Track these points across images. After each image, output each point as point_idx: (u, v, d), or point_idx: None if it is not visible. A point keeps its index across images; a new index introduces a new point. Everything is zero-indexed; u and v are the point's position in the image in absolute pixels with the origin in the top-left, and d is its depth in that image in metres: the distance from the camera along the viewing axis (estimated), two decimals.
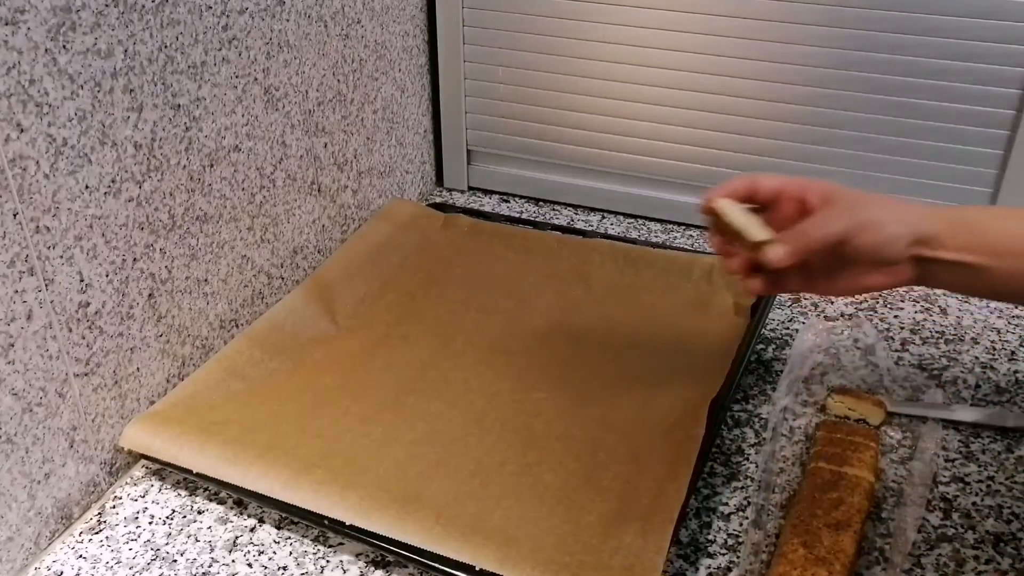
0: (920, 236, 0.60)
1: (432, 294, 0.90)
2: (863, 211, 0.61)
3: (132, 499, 0.71)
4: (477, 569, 0.60)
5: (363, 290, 0.90)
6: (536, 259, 0.95)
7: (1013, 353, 0.85)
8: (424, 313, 0.88)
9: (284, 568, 0.65)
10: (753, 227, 0.59)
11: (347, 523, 0.63)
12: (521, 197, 1.15)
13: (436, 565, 0.61)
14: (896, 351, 0.86)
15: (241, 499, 0.70)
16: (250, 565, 0.65)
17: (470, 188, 1.18)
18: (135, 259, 0.71)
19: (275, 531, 0.68)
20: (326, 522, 0.64)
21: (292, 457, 0.68)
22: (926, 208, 0.62)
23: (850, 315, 0.91)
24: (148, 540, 0.67)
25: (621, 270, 0.93)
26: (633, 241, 1.00)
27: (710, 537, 0.67)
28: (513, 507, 0.64)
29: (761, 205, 0.64)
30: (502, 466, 0.68)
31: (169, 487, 0.72)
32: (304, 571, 0.65)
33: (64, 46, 0.61)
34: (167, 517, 0.69)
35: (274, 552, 0.66)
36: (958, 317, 0.91)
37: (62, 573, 0.65)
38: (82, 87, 0.63)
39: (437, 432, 0.72)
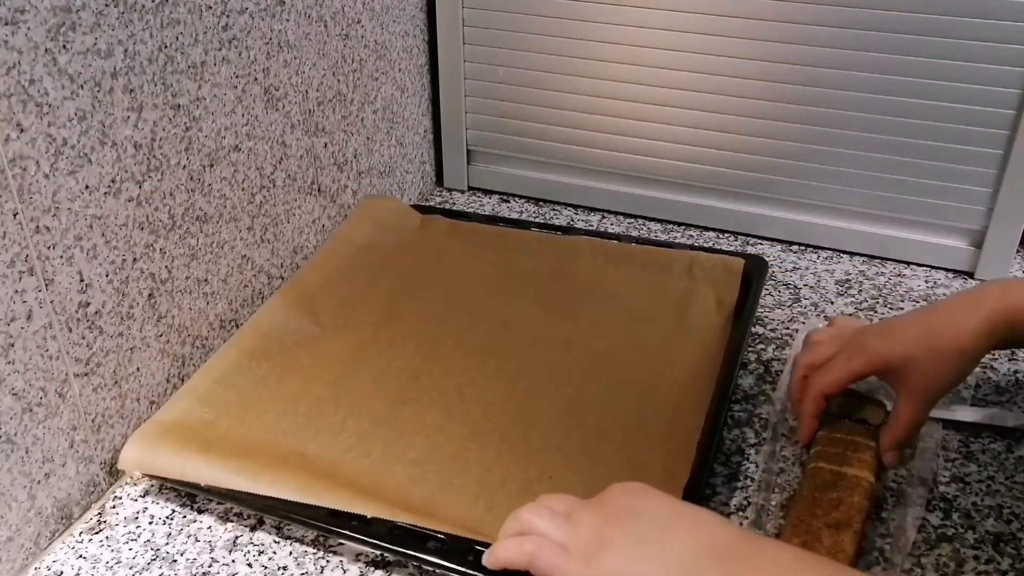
0: (990, 348, 0.65)
1: (415, 295, 0.90)
2: (932, 383, 0.66)
3: (132, 499, 0.71)
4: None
5: (345, 291, 0.89)
6: (516, 258, 0.95)
7: (1013, 353, 0.85)
8: (409, 314, 0.87)
9: (284, 568, 0.65)
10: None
11: (369, 516, 0.64)
12: (521, 197, 1.15)
13: (436, 560, 0.61)
14: None
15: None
16: (250, 565, 0.65)
17: (470, 188, 1.18)
18: (135, 259, 0.71)
19: (275, 531, 0.68)
20: (347, 532, 0.63)
21: (297, 488, 0.66)
22: (978, 312, 0.64)
23: (850, 315, 0.91)
24: (148, 540, 0.67)
25: (601, 267, 0.93)
26: (614, 236, 0.99)
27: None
28: None
29: None
30: (504, 484, 0.68)
31: (169, 487, 0.72)
32: (304, 571, 0.65)
33: (64, 46, 0.61)
34: (167, 517, 0.69)
35: (274, 552, 0.66)
36: None
37: (62, 573, 0.65)
38: (82, 87, 0.63)
39: (436, 447, 0.72)
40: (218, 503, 0.70)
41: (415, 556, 0.62)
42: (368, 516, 0.64)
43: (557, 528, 0.53)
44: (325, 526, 0.64)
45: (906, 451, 0.73)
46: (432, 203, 1.14)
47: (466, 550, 0.61)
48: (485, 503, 0.66)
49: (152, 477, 0.70)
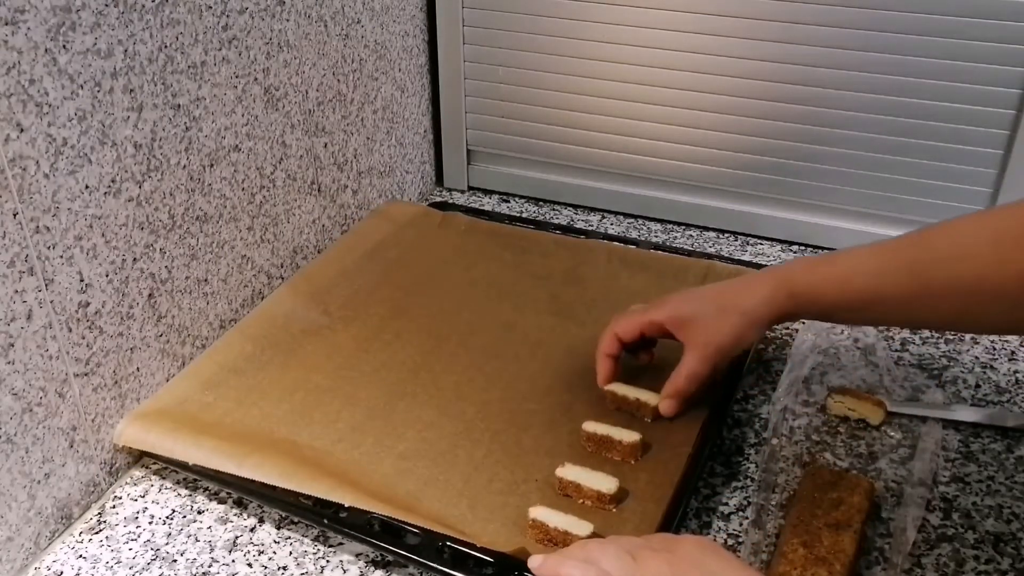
0: (774, 316, 0.70)
1: (427, 292, 0.90)
2: (714, 336, 0.70)
3: (132, 499, 0.71)
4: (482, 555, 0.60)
5: (357, 283, 0.90)
6: (531, 259, 0.95)
7: (1013, 353, 0.85)
8: (418, 310, 0.88)
9: (284, 568, 0.65)
10: (643, 395, 0.74)
11: (346, 504, 0.64)
12: (521, 197, 1.15)
13: (435, 566, 0.61)
14: (896, 351, 0.86)
15: (241, 499, 0.70)
16: (250, 565, 0.65)
17: (470, 188, 1.18)
18: (135, 259, 0.71)
19: (275, 531, 0.68)
20: (326, 521, 0.64)
21: (281, 473, 0.67)
22: (766, 283, 0.70)
23: None
24: (148, 540, 0.67)
25: (616, 272, 0.93)
26: (633, 242, 1.00)
27: (710, 537, 0.67)
28: (500, 531, 0.64)
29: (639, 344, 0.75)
30: (489, 484, 0.68)
31: (169, 487, 0.72)
32: (304, 571, 0.65)
33: (64, 46, 0.61)
34: (167, 517, 0.69)
35: (274, 552, 0.66)
36: None
37: (62, 573, 0.65)
38: (82, 87, 0.63)
39: (427, 443, 0.72)
40: (219, 502, 0.70)
41: (388, 548, 0.62)
42: (345, 505, 0.64)
43: (621, 568, 0.52)
44: (305, 508, 0.65)
45: (906, 451, 0.73)
46: (431, 203, 1.14)
47: (440, 546, 0.62)
48: (468, 501, 0.66)
49: (144, 454, 0.71)
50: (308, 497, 0.65)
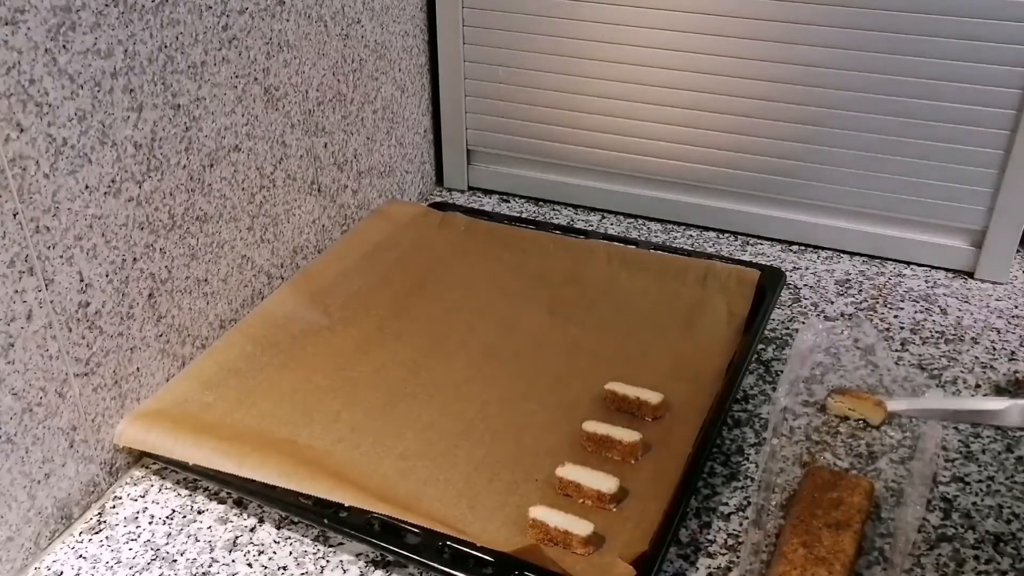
0: None
1: (426, 292, 0.90)
2: None
3: (132, 499, 0.71)
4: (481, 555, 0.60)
5: (357, 284, 0.91)
6: (531, 259, 0.95)
7: (1013, 353, 0.85)
8: (418, 311, 0.88)
9: (284, 568, 0.65)
10: (643, 394, 0.75)
11: (346, 504, 0.64)
12: (521, 197, 1.15)
13: (435, 566, 0.61)
14: (896, 351, 0.86)
15: (241, 499, 0.70)
16: (250, 565, 0.65)
17: (470, 188, 1.18)
18: (135, 259, 0.71)
19: (275, 531, 0.68)
20: (326, 521, 0.64)
21: (281, 473, 0.67)
22: None
23: (850, 315, 0.91)
24: (148, 540, 0.67)
25: (615, 273, 0.93)
26: (633, 242, 1.00)
27: (710, 537, 0.67)
28: (500, 531, 0.64)
29: None
30: (489, 484, 0.68)
31: (169, 487, 0.72)
32: (304, 571, 0.65)
33: (64, 46, 0.61)
34: (167, 517, 0.69)
35: (274, 552, 0.66)
36: (958, 317, 0.91)
37: (62, 573, 0.65)
38: (82, 87, 0.63)
39: (427, 443, 0.72)
40: (219, 502, 0.70)
41: (388, 548, 0.62)
42: (345, 505, 0.64)
43: None
44: (305, 508, 0.65)
45: (906, 451, 0.73)
46: (431, 203, 1.14)
47: (440, 545, 0.62)
48: (468, 501, 0.66)
49: (144, 454, 0.71)
50: (308, 497, 0.65)
